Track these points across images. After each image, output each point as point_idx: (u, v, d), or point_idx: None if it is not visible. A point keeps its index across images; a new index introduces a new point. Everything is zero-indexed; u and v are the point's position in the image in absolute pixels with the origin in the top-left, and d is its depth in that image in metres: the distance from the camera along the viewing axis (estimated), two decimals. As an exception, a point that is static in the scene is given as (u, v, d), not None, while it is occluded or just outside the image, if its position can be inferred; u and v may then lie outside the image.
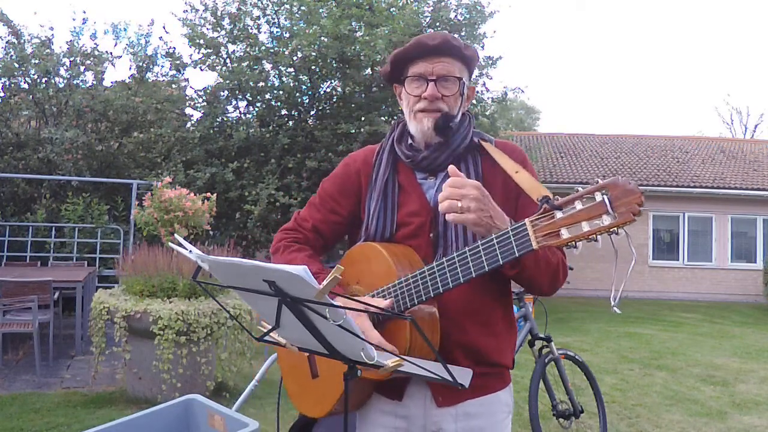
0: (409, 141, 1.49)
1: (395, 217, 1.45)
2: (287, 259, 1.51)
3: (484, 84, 10.94)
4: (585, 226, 1.02)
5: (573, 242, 1.04)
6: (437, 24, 10.34)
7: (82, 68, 9.95)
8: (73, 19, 10.58)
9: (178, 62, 10.28)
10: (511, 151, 1.44)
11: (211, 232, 7.18)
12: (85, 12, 18.60)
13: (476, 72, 10.77)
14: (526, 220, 1.11)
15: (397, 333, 1.32)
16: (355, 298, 1.46)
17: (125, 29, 13.74)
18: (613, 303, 1.10)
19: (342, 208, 1.55)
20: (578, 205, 1.04)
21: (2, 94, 9.57)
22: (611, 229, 1.00)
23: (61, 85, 9.70)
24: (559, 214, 1.06)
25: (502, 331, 1.47)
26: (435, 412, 1.42)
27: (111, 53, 10.34)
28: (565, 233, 1.05)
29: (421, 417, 1.43)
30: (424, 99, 1.41)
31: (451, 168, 1.26)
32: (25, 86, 9.60)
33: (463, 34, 10.44)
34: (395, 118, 9.91)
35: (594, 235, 1.02)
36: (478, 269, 1.21)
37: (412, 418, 1.43)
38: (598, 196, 1.01)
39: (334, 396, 1.41)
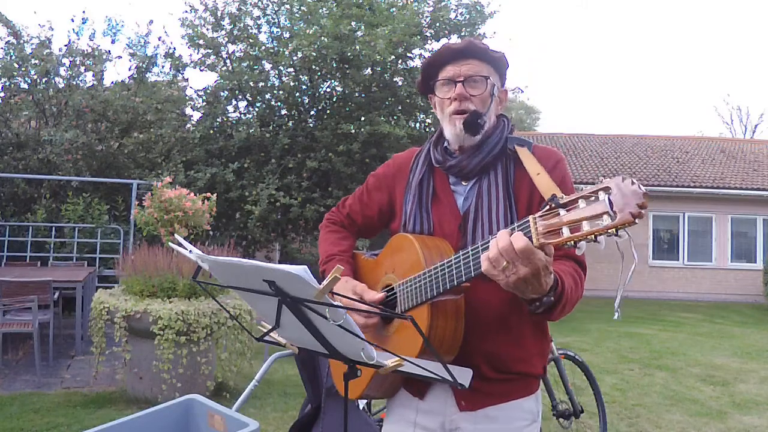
0: (445, 145, 1.53)
1: (431, 217, 1.50)
2: (324, 236, 1.71)
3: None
4: (586, 226, 0.98)
5: (573, 241, 1.01)
6: (437, 24, 10.34)
7: (81, 68, 9.95)
8: (72, 20, 10.57)
9: (177, 62, 10.29)
10: (546, 156, 1.43)
11: (211, 232, 7.18)
12: (84, 12, 18.56)
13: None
14: (530, 217, 1.09)
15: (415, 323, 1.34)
16: (350, 298, 1.47)
17: (122, 25, 13.77)
18: (616, 307, 1.07)
19: (373, 203, 1.67)
20: (582, 204, 1.01)
21: (2, 95, 9.57)
22: (610, 231, 0.96)
23: (60, 86, 9.69)
24: (563, 213, 1.04)
25: (530, 340, 1.46)
26: (454, 411, 1.45)
27: (110, 52, 10.35)
28: (566, 232, 1.02)
29: (441, 415, 1.46)
30: (454, 101, 1.44)
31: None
32: (25, 86, 9.59)
33: (463, 34, 10.44)
34: (394, 118, 9.92)
35: (593, 236, 0.98)
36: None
37: (432, 415, 1.47)
38: (602, 196, 0.98)
39: (364, 380, 1.46)
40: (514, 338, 1.42)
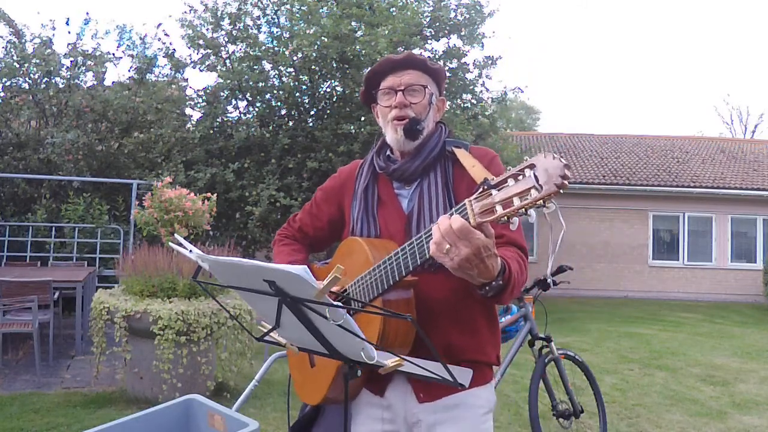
0: (387, 153, 1.61)
1: (377, 220, 1.56)
2: (277, 250, 1.76)
3: (483, 84, 10.93)
4: (516, 201, 1.06)
5: (506, 217, 1.08)
6: (437, 24, 10.34)
7: (82, 68, 9.95)
8: (67, 24, 10.56)
9: (177, 63, 10.28)
10: (483, 155, 1.52)
11: (211, 232, 7.18)
12: (87, 13, 18.55)
13: (476, 72, 10.80)
14: (466, 200, 1.17)
15: (370, 319, 1.38)
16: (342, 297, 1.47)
17: (130, 31, 13.84)
18: (548, 271, 1.15)
19: (323, 215, 1.74)
20: (511, 183, 1.09)
21: (2, 94, 9.57)
22: (538, 203, 1.03)
23: (61, 86, 9.69)
24: (495, 193, 1.11)
25: (482, 328, 1.53)
26: (414, 404, 1.51)
27: (113, 54, 10.35)
28: (499, 209, 1.09)
29: (401, 409, 1.52)
30: (394, 108, 1.52)
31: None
32: (26, 86, 9.59)
33: (463, 33, 10.44)
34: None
35: (524, 209, 1.05)
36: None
37: (393, 409, 1.53)
38: (528, 173, 1.06)
39: (325, 384, 1.50)
40: (467, 328, 1.50)
